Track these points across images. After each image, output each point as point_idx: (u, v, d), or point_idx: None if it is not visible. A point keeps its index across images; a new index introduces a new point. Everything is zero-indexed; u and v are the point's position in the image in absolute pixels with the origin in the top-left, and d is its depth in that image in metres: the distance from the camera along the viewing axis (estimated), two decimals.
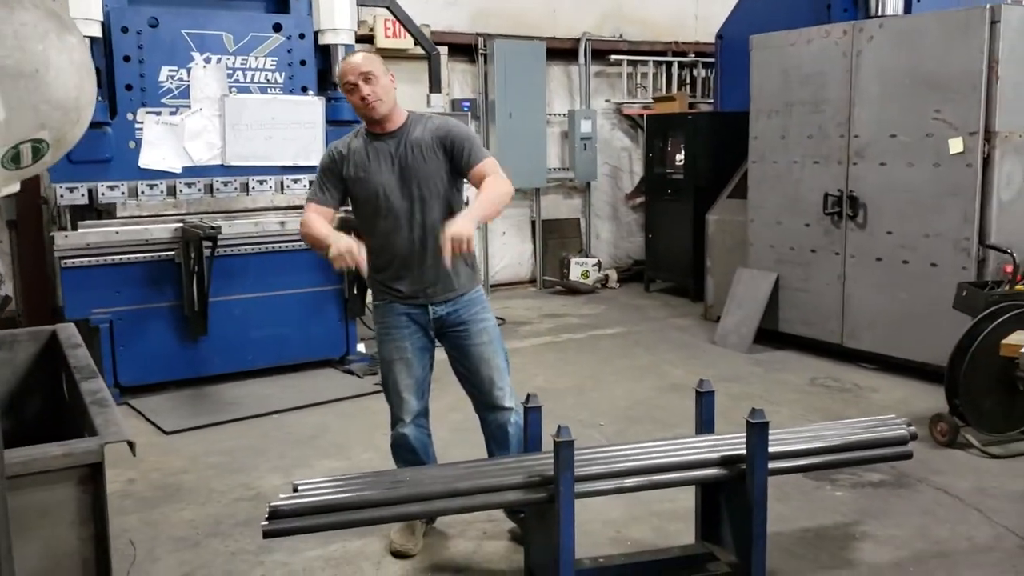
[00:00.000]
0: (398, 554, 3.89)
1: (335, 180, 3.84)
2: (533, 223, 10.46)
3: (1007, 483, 4.58)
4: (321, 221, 3.77)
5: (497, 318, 9.03)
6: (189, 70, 6.35)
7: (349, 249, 3.49)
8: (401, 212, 3.76)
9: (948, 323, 5.64)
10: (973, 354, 4.91)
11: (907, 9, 7.30)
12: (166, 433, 5.55)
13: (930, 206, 6.22)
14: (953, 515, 4.24)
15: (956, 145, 6.01)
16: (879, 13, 7.22)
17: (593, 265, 10.23)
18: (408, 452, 3.95)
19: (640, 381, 6.56)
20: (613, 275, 10.53)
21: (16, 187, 2.87)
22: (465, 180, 3.89)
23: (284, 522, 3.02)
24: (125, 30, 6.15)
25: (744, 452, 3.35)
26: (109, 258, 6.01)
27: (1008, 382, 4.89)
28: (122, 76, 6.18)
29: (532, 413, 3.58)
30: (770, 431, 3.32)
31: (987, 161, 5.93)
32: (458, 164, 3.79)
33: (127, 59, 6.18)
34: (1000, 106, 5.86)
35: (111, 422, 2.51)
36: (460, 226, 3.44)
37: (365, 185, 3.78)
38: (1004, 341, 2.79)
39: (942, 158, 6.11)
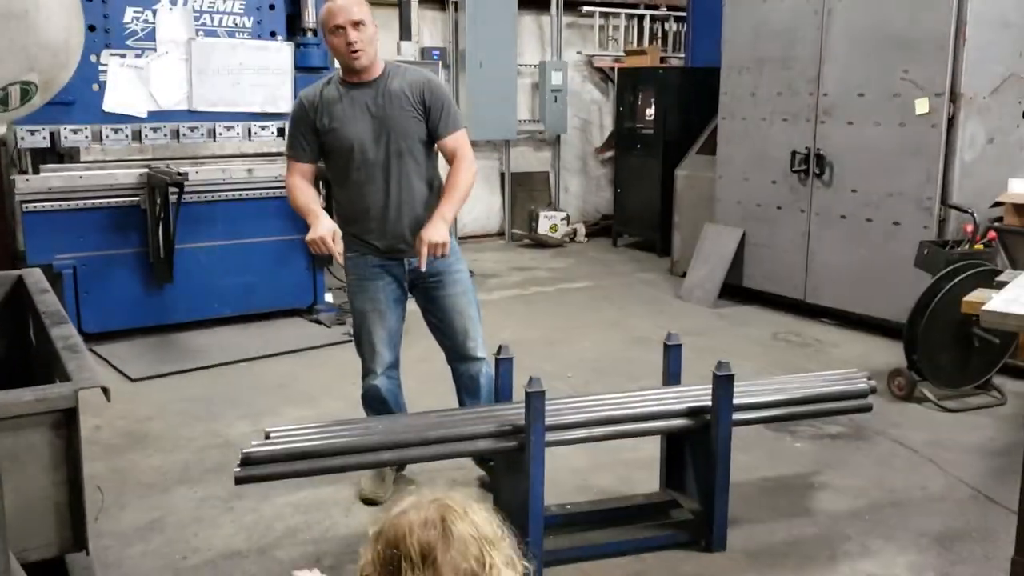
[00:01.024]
0: (368, 501, 3.94)
1: (308, 132, 3.75)
2: (502, 175, 10.44)
3: (961, 436, 4.72)
4: (306, 189, 3.77)
5: None
6: (155, 12, 6.22)
7: (324, 238, 3.52)
8: (376, 165, 3.71)
9: (909, 281, 5.75)
10: (932, 311, 5.02)
11: None
12: (132, 380, 5.53)
13: (894, 165, 6.29)
14: (908, 466, 4.36)
15: (922, 106, 6.07)
16: None
17: (562, 219, 10.26)
18: (379, 403, 3.97)
19: (607, 334, 6.63)
20: (581, 229, 10.57)
21: (3, 129, 2.82)
22: None
23: (257, 468, 3.04)
24: None
25: (709, 403, 3.42)
26: (72, 203, 5.94)
27: (964, 338, 5.02)
28: (87, 17, 5.89)
29: (503, 364, 3.63)
30: (735, 383, 3.40)
31: (951, 122, 6.00)
32: (432, 125, 3.75)
33: None
34: (966, 68, 5.91)
35: (84, 368, 2.50)
36: (435, 232, 3.58)
37: (338, 136, 3.71)
38: (966, 298, 2.86)
39: (908, 118, 6.17)
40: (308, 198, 3.74)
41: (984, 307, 2.39)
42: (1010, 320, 2.37)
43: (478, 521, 1.54)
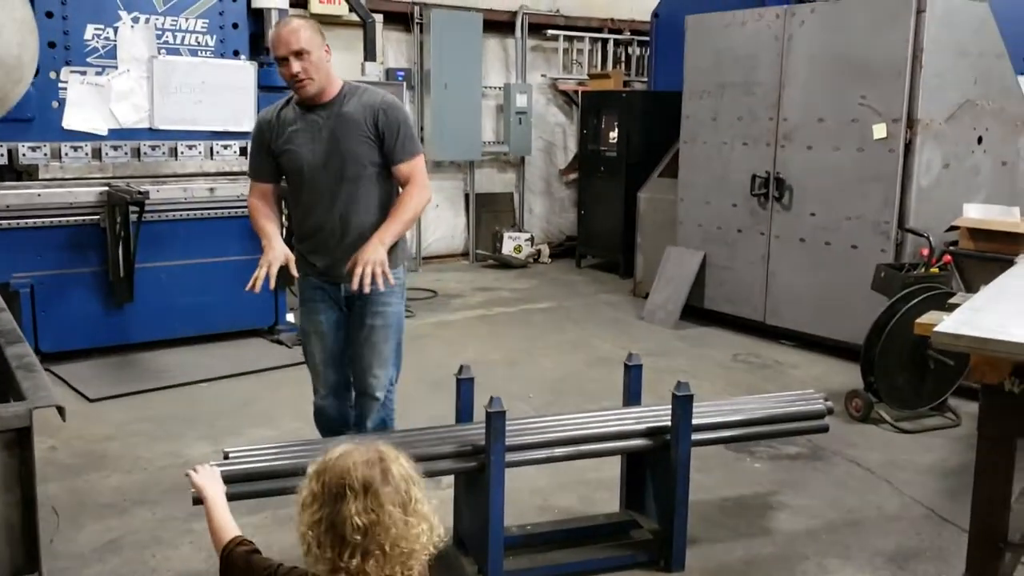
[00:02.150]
0: None
1: (265, 152, 3.76)
2: (467, 196, 10.47)
3: (916, 456, 4.79)
4: (264, 208, 3.77)
5: (429, 290, 9.09)
6: (116, 29, 6.20)
7: (271, 263, 3.53)
8: (323, 189, 3.67)
9: (866, 303, 5.84)
10: (888, 333, 5.10)
11: None
12: (90, 400, 5.46)
13: (853, 190, 6.40)
14: (864, 486, 4.42)
15: (880, 131, 6.19)
16: None
17: (526, 240, 10.30)
18: (328, 421, 3.98)
19: (569, 355, 6.65)
20: (545, 250, 10.62)
21: None
22: None
23: None
24: None
25: (668, 424, 3.45)
26: (30, 221, 5.86)
27: (920, 360, 5.10)
28: (45, 33, 5.98)
29: (463, 384, 3.63)
30: (694, 404, 3.43)
31: (908, 147, 6.12)
32: (387, 150, 3.67)
33: (50, 15, 6.01)
34: (923, 94, 6.04)
35: (39, 387, 2.48)
36: (371, 252, 3.49)
37: (291, 158, 3.69)
38: (918, 320, 2.92)
39: (866, 143, 6.28)
40: (264, 219, 3.75)
41: (935, 329, 2.44)
42: (961, 341, 2.42)
43: (405, 464, 1.83)
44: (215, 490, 2.25)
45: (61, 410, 2.38)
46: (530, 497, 4.16)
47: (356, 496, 1.73)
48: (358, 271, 3.46)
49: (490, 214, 10.66)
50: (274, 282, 3.56)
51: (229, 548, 2.07)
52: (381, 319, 3.78)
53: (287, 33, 3.53)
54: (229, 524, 2.16)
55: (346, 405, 4.01)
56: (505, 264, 10.09)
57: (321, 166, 3.65)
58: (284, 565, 1.97)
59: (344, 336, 3.88)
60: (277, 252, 3.59)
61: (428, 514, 1.80)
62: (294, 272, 3.66)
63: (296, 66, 3.50)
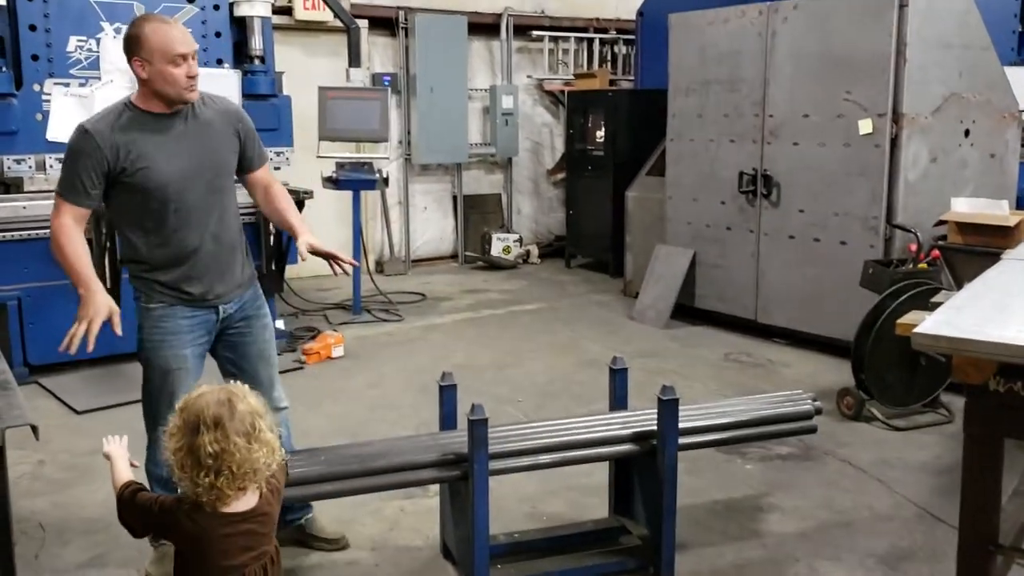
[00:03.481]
0: None
1: (97, 172, 3.21)
2: (455, 198, 10.44)
3: (908, 454, 4.77)
4: (80, 242, 3.28)
5: (418, 294, 9.07)
6: (99, 40, 6.16)
7: (96, 319, 3.15)
8: (196, 206, 3.34)
9: (857, 300, 5.81)
10: (878, 330, 5.08)
11: None
12: (77, 413, 5.43)
13: (840, 185, 6.38)
14: (856, 486, 4.40)
15: (865, 126, 6.17)
16: None
17: (514, 240, 10.27)
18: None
19: (559, 357, 6.63)
20: (534, 250, 10.59)
21: None
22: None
23: None
24: None
25: (655, 428, 3.42)
26: (16, 233, 5.82)
27: (911, 357, 5.06)
28: (28, 46, 5.98)
29: (446, 392, 3.60)
30: (681, 407, 3.40)
31: (894, 142, 6.10)
32: (246, 159, 3.52)
33: (33, 28, 5.99)
34: (908, 88, 6.02)
35: (13, 405, 2.46)
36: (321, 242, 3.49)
37: (150, 176, 3.24)
38: (899, 320, 2.90)
39: (852, 138, 6.27)
40: (83, 256, 3.28)
41: (915, 329, 2.41)
42: (940, 342, 2.40)
43: (252, 402, 2.25)
44: (118, 452, 2.53)
45: (35, 429, 2.35)
46: (518, 504, 4.13)
47: (208, 430, 2.15)
48: (346, 257, 3.52)
49: (478, 216, 10.63)
50: (93, 344, 3.15)
51: (121, 490, 2.41)
52: (269, 332, 3.65)
53: (183, 31, 3.26)
54: (125, 474, 2.47)
55: None
56: (494, 265, 10.06)
57: (191, 180, 3.31)
58: (163, 496, 2.37)
59: (201, 372, 3.50)
60: (99, 305, 3.18)
61: (270, 440, 2.23)
62: (118, 331, 3.24)
63: (194, 67, 3.22)
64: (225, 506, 2.22)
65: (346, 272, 3.60)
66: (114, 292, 5.92)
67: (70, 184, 3.24)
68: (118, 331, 3.23)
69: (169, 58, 3.16)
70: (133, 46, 3.20)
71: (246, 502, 2.26)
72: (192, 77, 3.21)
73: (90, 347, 3.14)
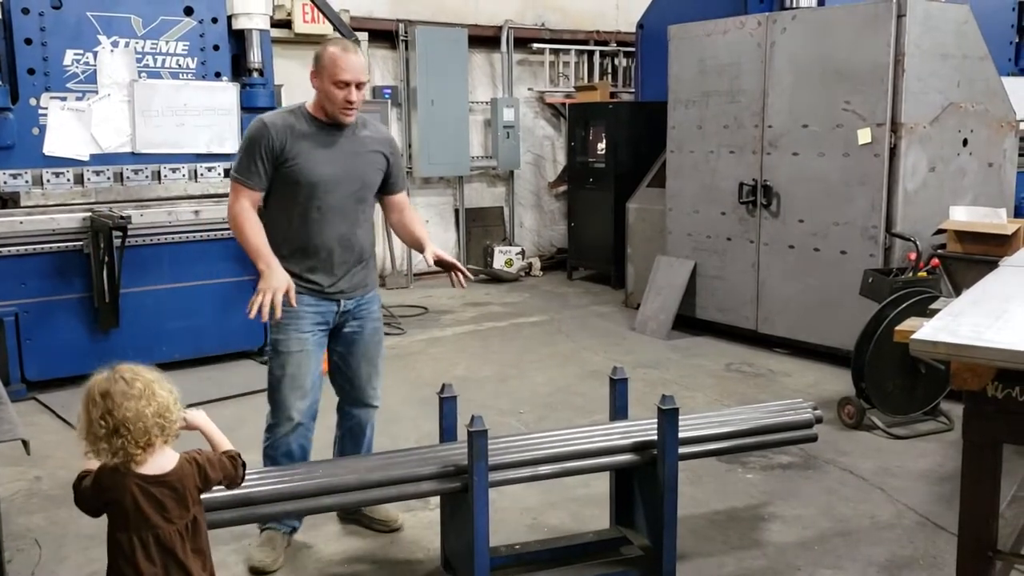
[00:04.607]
0: (255, 570, 3.69)
1: (268, 158, 3.58)
2: (456, 211, 10.45)
3: (909, 462, 4.74)
4: (257, 223, 3.61)
5: (420, 307, 9.06)
6: (95, 54, 6.19)
7: (278, 292, 3.40)
8: (338, 207, 3.68)
9: (857, 309, 5.80)
10: (878, 339, 5.06)
11: (820, 1, 7.46)
12: (75, 428, 5.39)
13: (840, 195, 6.37)
14: (857, 494, 4.37)
15: (864, 136, 6.17)
16: (793, 5, 7.37)
17: (517, 253, 10.27)
18: (288, 459, 3.77)
19: (561, 368, 6.61)
20: (536, 263, 10.59)
21: None
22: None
23: None
24: (26, 11, 5.98)
25: (656, 438, 3.41)
26: (13, 248, 5.83)
27: (911, 366, 5.05)
28: (24, 60, 6.00)
29: (447, 403, 3.58)
30: (681, 417, 3.39)
31: (893, 151, 6.09)
32: (391, 181, 3.87)
33: (29, 42, 6.01)
34: (906, 98, 6.02)
35: (4, 420, 2.44)
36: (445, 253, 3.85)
37: (302, 171, 3.60)
38: (898, 328, 2.89)
39: (851, 148, 6.26)
40: (261, 236, 3.59)
41: (913, 336, 2.40)
42: (939, 348, 2.38)
43: (140, 371, 2.45)
44: (204, 418, 2.76)
45: (26, 444, 2.34)
46: (520, 516, 4.11)
47: (99, 400, 2.38)
48: (464, 269, 3.85)
49: (480, 229, 10.64)
50: (274, 312, 3.41)
51: (75, 482, 2.59)
52: (379, 334, 3.94)
53: (358, 61, 3.60)
54: (221, 440, 2.78)
55: (310, 439, 3.88)
56: (496, 278, 10.06)
57: (338, 184, 3.67)
58: (89, 470, 2.54)
59: (321, 359, 3.85)
60: (279, 280, 3.46)
61: (156, 395, 2.42)
62: (294, 303, 3.51)
63: (355, 95, 3.57)
64: (138, 465, 2.42)
65: (461, 285, 3.84)
66: (114, 307, 5.97)
67: (247, 168, 3.62)
68: (293, 303, 3.50)
69: (333, 80, 3.54)
70: (315, 62, 3.63)
71: (160, 465, 2.46)
72: (350, 102, 3.57)
73: (277, 314, 3.43)
